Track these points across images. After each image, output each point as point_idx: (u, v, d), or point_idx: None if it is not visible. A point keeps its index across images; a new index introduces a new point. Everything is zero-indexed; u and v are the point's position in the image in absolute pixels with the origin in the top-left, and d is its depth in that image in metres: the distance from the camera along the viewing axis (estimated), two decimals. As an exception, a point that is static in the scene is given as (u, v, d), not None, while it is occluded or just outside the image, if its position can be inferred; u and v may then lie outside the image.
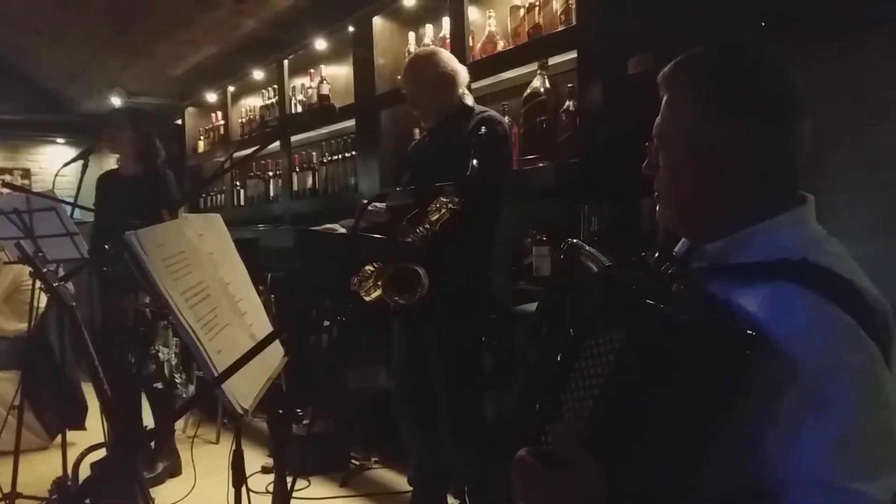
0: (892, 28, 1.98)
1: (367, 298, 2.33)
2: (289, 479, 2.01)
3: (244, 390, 1.35)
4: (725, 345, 0.81)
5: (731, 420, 0.82)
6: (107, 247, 2.59)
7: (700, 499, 0.83)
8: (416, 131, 3.30)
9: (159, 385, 3.27)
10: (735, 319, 0.85)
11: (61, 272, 2.60)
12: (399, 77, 2.73)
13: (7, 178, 7.60)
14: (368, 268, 2.33)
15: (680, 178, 1.00)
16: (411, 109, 2.71)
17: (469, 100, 2.58)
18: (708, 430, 0.82)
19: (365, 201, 2.51)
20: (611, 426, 0.88)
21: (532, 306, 2.42)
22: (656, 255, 1.11)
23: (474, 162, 2.08)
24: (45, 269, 2.12)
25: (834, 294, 0.86)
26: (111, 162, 3.52)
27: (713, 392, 0.81)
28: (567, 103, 2.76)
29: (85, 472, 2.69)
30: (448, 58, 2.60)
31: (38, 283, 2.78)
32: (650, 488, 0.84)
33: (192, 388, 4.46)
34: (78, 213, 3.02)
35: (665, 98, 1.03)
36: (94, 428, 3.38)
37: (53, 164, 7.91)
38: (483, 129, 2.27)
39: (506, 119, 2.63)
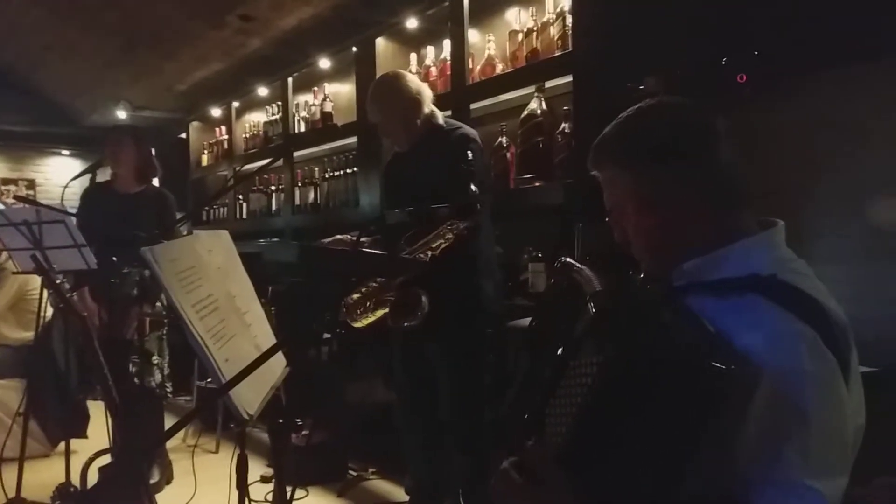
0: (877, 60, 2.06)
1: (358, 325, 2.40)
2: (288, 489, 2.07)
3: (249, 397, 1.42)
4: (700, 379, 0.87)
5: (700, 442, 0.88)
6: (114, 259, 2.66)
7: None
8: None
9: (161, 393, 3.34)
10: (719, 352, 0.90)
11: (66, 284, 2.67)
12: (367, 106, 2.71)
13: (13, 188, 7.69)
14: (355, 295, 2.40)
15: (647, 231, 1.11)
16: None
17: (439, 118, 2.62)
18: (676, 454, 0.88)
19: (357, 236, 2.55)
20: (583, 445, 0.94)
21: (527, 321, 2.50)
22: (641, 275, 1.20)
23: (473, 188, 2.17)
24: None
25: (798, 309, 0.95)
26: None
27: (684, 421, 0.87)
28: (563, 125, 2.85)
29: (92, 477, 2.75)
30: (411, 80, 2.64)
31: (45, 293, 2.87)
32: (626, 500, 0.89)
33: (177, 396, 4.54)
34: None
35: (601, 178, 1.16)
36: (95, 436, 3.44)
37: (58, 175, 8.01)
38: (470, 155, 2.35)
39: (476, 133, 2.64)
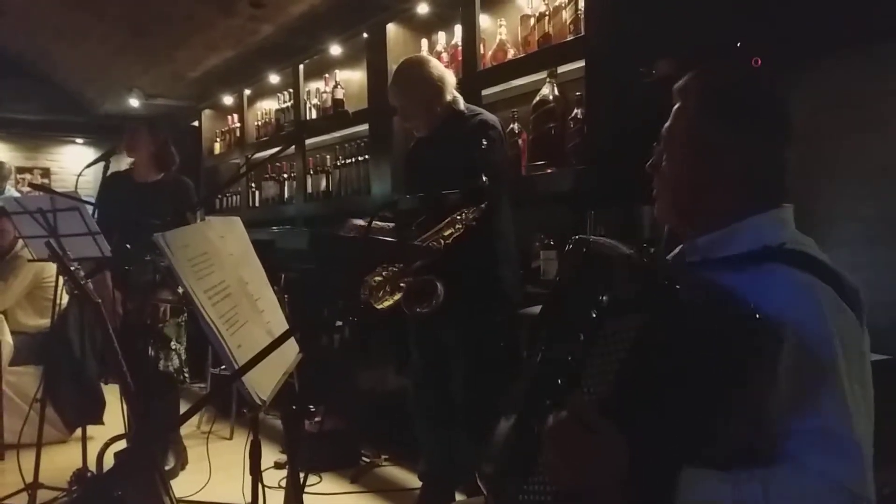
0: (894, 41, 2.03)
1: (379, 307, 2.41)
2: (301, 475, 2.09)
3: (262, 383, 1.43)
4: (743, 331, 0.89)
5: (742, 391, 0.90)
6: (128, 246, 2.67)
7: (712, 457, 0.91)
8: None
9: (179, 378, 3.38)
10: (750, 308, 0.92)
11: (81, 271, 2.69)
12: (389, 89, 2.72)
13: (28, 176, 7.75)
14: (377, 277, 2.41)
15: (680, 169, 1.12)
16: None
17: (460, 104, 2.61)
18: (721, 404, 0.90)
19: (368, 222, 2.54)
20: (630, 402, 0.95)
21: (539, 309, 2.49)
22: (652, 251, 1.20)
23: (485, 179, 2.17)
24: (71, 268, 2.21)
25: (812, 269, 0.98)
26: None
27: (728, 372, 0.89)
28: (575, 111, 2.83)
29: (108, 462, 2.78)
30: (434, 66, 2.63)
31: (60, 280, 2.89)
32: (667, 455, 0.91)
33: (192, 383, 4.55)
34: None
35: (677, 100, 1.15)
36: (111, 422, 3.48)
37: (72, 163, 8.06)
38: (485, 143, 2.34)
39: (497, 119, 2.64)
